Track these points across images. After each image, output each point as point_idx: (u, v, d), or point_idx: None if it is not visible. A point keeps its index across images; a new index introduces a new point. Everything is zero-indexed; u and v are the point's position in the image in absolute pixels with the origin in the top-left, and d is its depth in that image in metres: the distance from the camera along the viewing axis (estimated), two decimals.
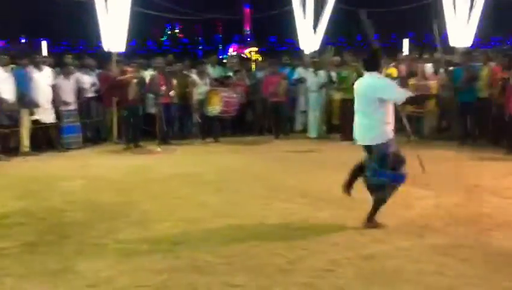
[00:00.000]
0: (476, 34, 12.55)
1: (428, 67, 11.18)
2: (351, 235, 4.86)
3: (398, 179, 4.99)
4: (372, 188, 5.05)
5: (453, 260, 4.23)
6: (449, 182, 6.95)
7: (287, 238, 4.82)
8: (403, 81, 10.68)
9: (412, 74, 11.00)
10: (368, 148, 5.09)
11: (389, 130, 5.00)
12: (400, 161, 5.00)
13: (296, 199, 6.25)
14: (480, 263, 4.16)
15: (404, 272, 3.99)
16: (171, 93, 10.80)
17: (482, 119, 10.34)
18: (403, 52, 14.55)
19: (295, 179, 7.41)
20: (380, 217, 5.09)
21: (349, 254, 4.37)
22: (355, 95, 5.14)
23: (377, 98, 4.91)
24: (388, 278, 3.88)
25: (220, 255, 4.39)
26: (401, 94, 5.03)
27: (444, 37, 12.80)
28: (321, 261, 4.22)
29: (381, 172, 4.94)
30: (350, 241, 4.71)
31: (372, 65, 5.07)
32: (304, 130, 12.08)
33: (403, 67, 11.45)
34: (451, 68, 10.64)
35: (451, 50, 12.46)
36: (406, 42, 17.38)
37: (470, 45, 12.41)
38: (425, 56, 11.96)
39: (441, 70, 10.83)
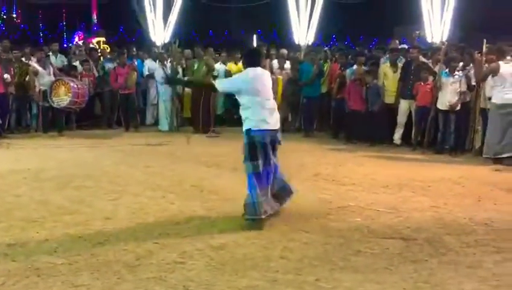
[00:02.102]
0: (318, 32, 13.41)
1: (275, 62, 11.70)
2: (202, 227, 4.88)
3: None
4: None
5: (296, 244, 4.47)
6: (293, 172, 7.31)
7: (135, 233, 4.68)
8: None
9: None
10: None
11: None
12: None
13: (145, 193, 6.11)
14: (320, 245, 4.45)
15: (252, 259, 4.12)
16: (6, 76, 9.85)
17: (323, 113, 11.10)
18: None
19: (145, 172, 7.25)
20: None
21: (200, 245, 4.39)
22: (262, 87, 5.09)
23: None
24: (238, 267, 3.97)
25: (62, 256, 4.11)
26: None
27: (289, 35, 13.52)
28: (171, 254, 4.18)
29: None
30: (200, 232, 4.73)
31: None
32: (156, 123, 11.89)
33: None
34: (298, 64, 11.24)
35: (297, 47, 13.15)
36: (254, 38, 17.92)
37: (313, 42, 13.21)
38: (272, 52, 12.46)
39: (287, 65, 11.41)
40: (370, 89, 9.62)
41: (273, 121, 5.09)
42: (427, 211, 5.51)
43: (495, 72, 8.07)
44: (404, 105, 9.55)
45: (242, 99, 5.09)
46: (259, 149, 4.95)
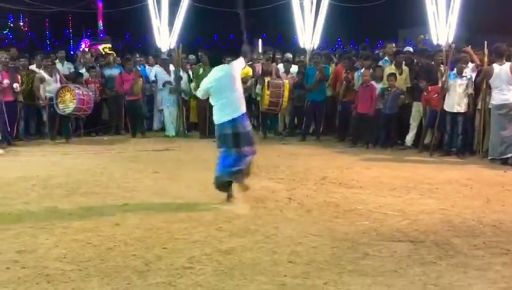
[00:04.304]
0: (324, 36, 13.39)
1: (281, 66, 11.71)
2: (209, 231, 4.89)
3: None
4: None
5: (304, 248, 4.47)
6: (300, 175, 7.35)
7: (144, 239, 4.70)
8: (259, 80, 11.07)
9: (266, 72, 11.40)
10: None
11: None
12: None
13: (153, 199, 6.14)
14: (328, 249, 4.45)
15: (260, 264, 4.12)
16: (15, 85, 9.94)
17: (329, 117, 11.10)
18: (258, 51, 15.01)
19: (152, 178, 7.28)
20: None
21: (208, 250, 4.40)
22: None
23: None
24: (245, 271, 3.97)
25: (71, 262, 4.13)
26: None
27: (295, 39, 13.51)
28: (180, 260, 4.19)
29: None
30: (208, 237, 4.74)
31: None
32: (163, 129, 11.94)
33: (259, 66, 11.83)
34: (304, 68, 11.25)
35: (302, 51, 13.14)
36: (260, 42, 17.99)
37: (318, 46, 13.20)
38: (278, 56, 12.48)
39: (292, 70, 11.43)
40: (391, 95, 9.58)
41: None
42: (435, 213, 5.50)
43: (489, 75, 8.12)
44: (416, 107, 9.55)
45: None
46: None
